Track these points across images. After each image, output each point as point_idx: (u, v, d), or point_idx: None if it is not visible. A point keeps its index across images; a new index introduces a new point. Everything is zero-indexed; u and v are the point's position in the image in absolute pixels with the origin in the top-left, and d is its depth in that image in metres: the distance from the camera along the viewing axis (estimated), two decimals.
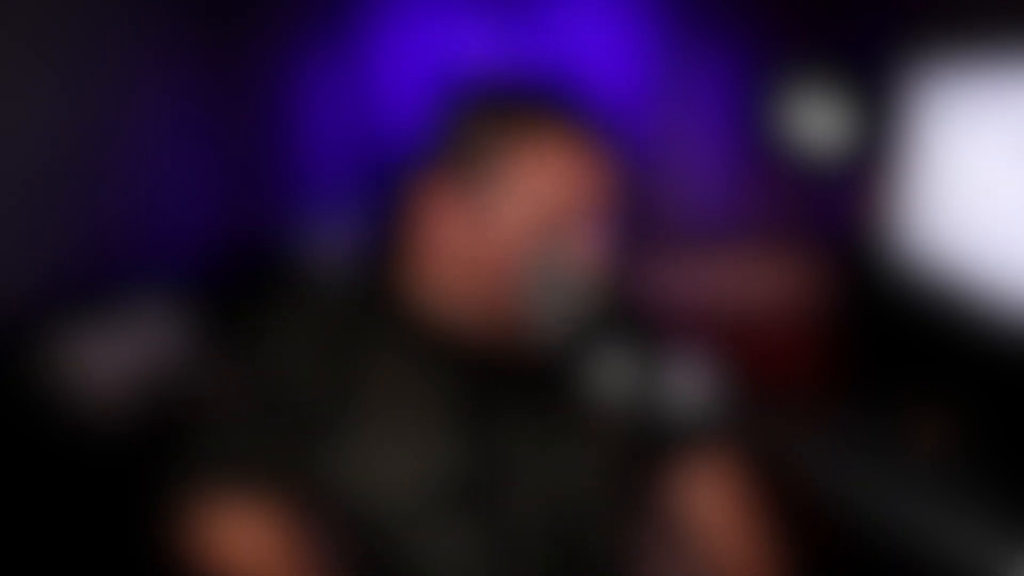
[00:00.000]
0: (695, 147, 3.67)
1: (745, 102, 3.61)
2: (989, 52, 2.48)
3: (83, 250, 2.95)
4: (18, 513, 2.21)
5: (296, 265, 3.65)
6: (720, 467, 1.11)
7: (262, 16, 3.71)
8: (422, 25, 3.83)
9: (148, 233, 3.24)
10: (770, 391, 2.74)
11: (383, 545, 0.97)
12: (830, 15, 3.22)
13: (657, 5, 3.74)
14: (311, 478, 0.99)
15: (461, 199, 0.94)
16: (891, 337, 2.82)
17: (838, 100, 3.17)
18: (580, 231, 0.95)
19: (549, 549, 1.00)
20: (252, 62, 3.71)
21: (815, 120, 3.28)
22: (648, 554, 1.13)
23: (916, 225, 2.82)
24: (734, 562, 1.07)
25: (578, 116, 0.96)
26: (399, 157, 3.95)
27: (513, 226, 0.93)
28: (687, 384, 0.92)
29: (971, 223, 2.60)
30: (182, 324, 2.89)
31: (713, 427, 1.05)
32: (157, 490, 1.07)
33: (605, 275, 0.97)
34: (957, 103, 2.63)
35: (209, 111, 3.55)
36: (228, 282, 3.36)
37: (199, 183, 3.52)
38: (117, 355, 2.65)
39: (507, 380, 1.01)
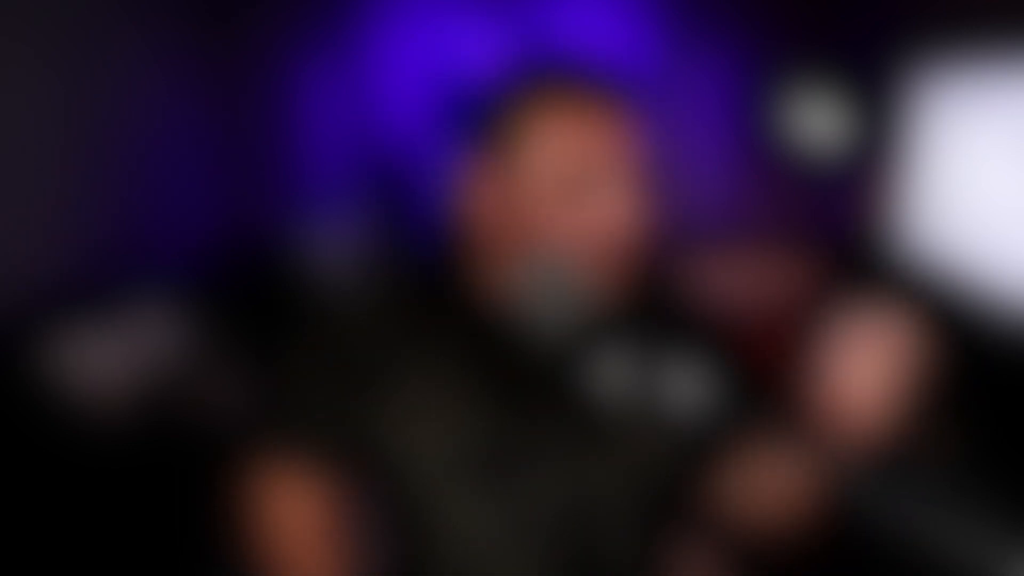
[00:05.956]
0: (695, 147, 3.67)
1: (745, 102, 3.61)
2: (989, 52, 2.48)
3: (83, 250, 2.95)
4: (17, 512, 2.22)
5: (295, 263, 3.65)
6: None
7: (262, 17, 3.72)
8: (422, 25, 3.84)
9: (148, 233, 3.25)
10: (768, 390, 2.73)
11: (410, 506, 1.04)
12: (830, 15, 3.22)
13: (658, 5, 3.74)
14: (355, 442, 1.06)
15: (497, 177, 1.01)
16: None
17: (838, 100, 3.18)
18: (604, 191, 1.00)
19: (562, 535, 1.04)
20: (252, 62, 3.71)
21: (815, 120, 3.28)
22: (667, 552, 1.13)
23: (916, 224, 2.82)
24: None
25: (593, 85, 1.02)
26: (400, 155, 3.95)
27: (537, 192, 0.99)
28: (690, 381, 0.94)
29: (971, 222, 2.60)
30: (182, 324, 2.89)
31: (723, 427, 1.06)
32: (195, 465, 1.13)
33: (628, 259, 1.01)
34: (957, 103, 2.63)
35: (209, 111, 3.55)
36: (227, 281, 3.37)
37: (199, 183, 3.52)
38: (117, 355, 2.65)
39: (537, 363, 1.04)
